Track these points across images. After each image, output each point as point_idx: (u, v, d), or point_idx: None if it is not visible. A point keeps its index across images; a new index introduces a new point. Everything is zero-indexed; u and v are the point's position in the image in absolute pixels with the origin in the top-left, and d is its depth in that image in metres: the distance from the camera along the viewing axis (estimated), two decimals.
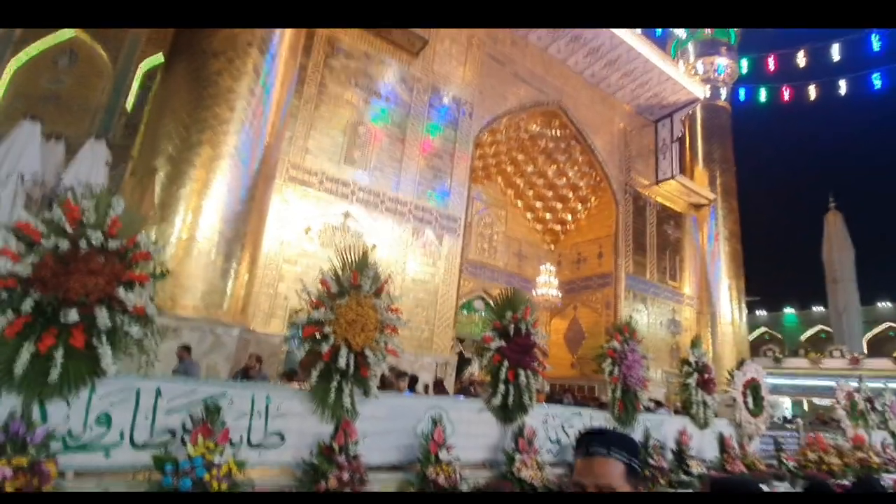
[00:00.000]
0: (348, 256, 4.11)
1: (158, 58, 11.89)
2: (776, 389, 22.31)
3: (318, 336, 3.69)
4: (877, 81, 15.51)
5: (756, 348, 29.20)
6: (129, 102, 12.16)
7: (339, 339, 3.73)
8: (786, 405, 25.12)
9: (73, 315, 2.68)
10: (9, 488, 2.32)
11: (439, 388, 8.36)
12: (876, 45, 14.44)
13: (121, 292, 2.85)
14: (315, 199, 11.07)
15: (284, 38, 9.98)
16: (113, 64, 12.47)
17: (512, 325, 5.09)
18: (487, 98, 14.75)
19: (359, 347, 3.80)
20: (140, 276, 3.00)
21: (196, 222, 8.35)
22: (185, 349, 7.17)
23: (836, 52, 15.52)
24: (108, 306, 2.83)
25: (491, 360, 4.98)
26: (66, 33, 12.36)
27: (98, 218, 2.97)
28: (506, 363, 4.92)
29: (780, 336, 37.29)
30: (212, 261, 8.43)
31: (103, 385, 2.89)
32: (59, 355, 2.63)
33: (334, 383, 3.69)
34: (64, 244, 2.78)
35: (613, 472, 1.02)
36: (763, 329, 38.18)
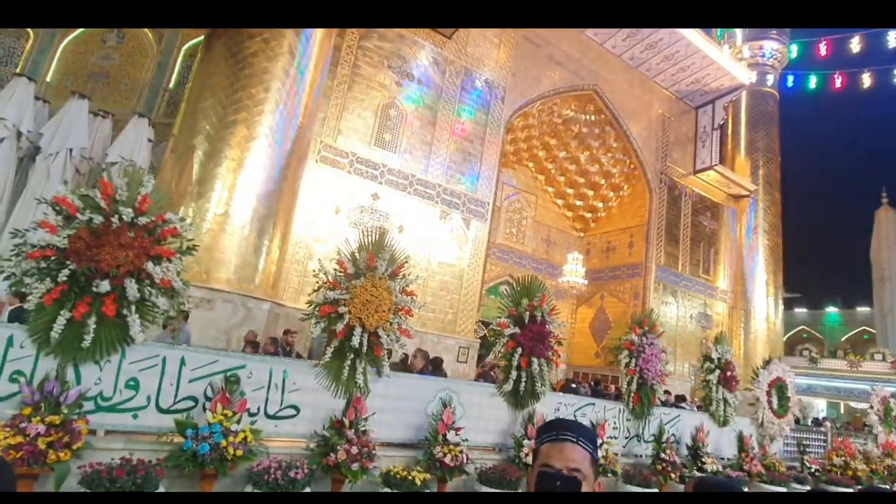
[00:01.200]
0: (365, 237, 4.21)
1: (200, 38, 12.22)
2: (811, 390, 21.54)
3: (333, 315, 3.83)
4: None
5: (792, 347, 28.11)
6: (172, 81, 12.61)
7: (353, 319, 3.85)
8: (821, 407, 24.24)
9: (104, 286, 2.88)
10: (41, 444, 2.54)
11: (437, 367, 8.31)
12: None
13: (149, 266, 3.05)
14: (345, 180, 11.25)
15: None
16: (157, 43, 12.94)
17: (527, 313, 5.12)
18: (520, 81, 14.49)
19: (372, 327, 3.92)
20: (167, 251, 3.19)
21: (231, 199, 8.64)
22: (184, 315, 7.24)
23: (893, 39, 14.45)
24: (138, 278, 3.04)
25: (505, 347, 5.04)
26: None
27: (130, 195, 3.16)
28: (519, 350, 4.97)
29: (819, 335, 35.74)
30: (245, 237, 8.74)
31: (133, 352, 3.11)
32: (91, 322, 2.84)
33: (348, 361, 3.83)
34: (98, 218, 2.98)
35: (583, 458, 1.06)
36: (802, 327, 36.69)
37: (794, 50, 19.24)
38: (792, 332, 35.02)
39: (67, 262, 2.86)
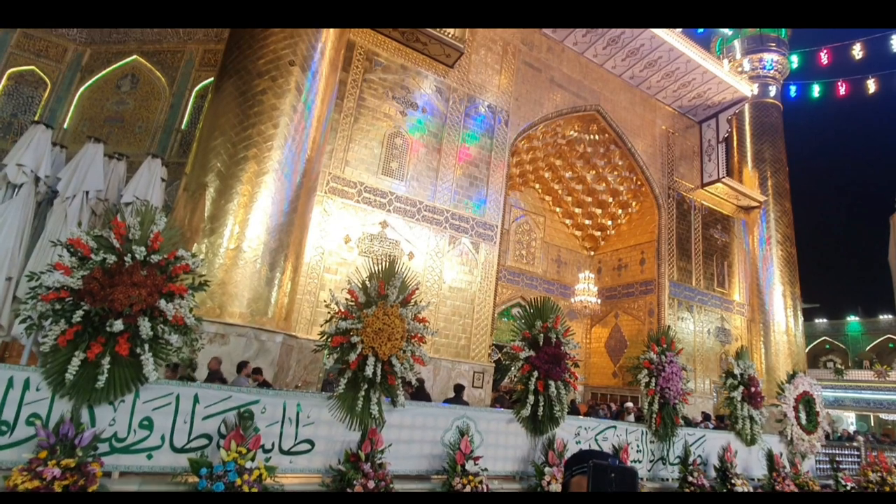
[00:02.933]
0: (376, 266, 4.21)
1: (211, 79, 12.62)
2: (838, 403, 20.84)
3: (345, 345, 3.81)
4: None
5: (815, 359, 27.33)
6: (184, 121, 12.97)
7: (366, 348, 3.82)
8: (850, 420, 23.38)
9: (118, 325, 2.90)
10: (57, 488, 2.52)
11: (458, 395, 8.27)
12: None
13: (162, 303, 3.07)
14: (354, 210, 11.37)
15: (325, 56, 10.35)
16: (170, 86, 13.37)
17: (542, 335, 5.05)
18: (523, 105, 14.70)
19: (385, 356, 3.88)
20: (180, 288, 3.22)
21: (243, 234, 8.76)
22: (237, 367, 7.48)
23: (895, 44, 14.50)
24: (151, 316, 3.05)
25: (520, 370, 4.95)
26: (127, 58, 13.38)
27: (143, 234, 3.21)
28: (535, 373, 4.88)
29: (842, 346, 34.77)
30: (257, 270, 8.81)
31: (146, 391, 3.10)
32: (106, 362, 2.85)
33: (362, 392, 3.78)
34: (111, 258, 3.02)
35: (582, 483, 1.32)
36: (823, 338, 35.76)
37: (795, 60, 19.32)
38: (814, 344, 34.12)
39: (81, 303, 2.89)
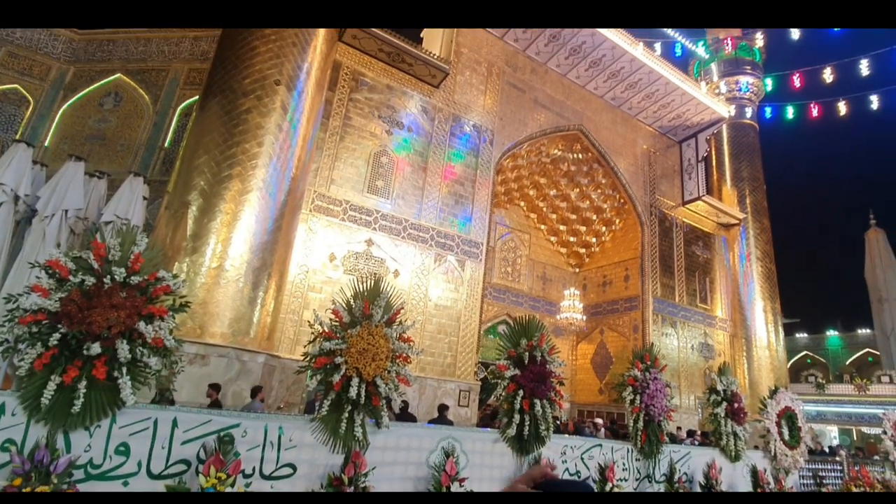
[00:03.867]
0: (360, 285, 4.19)
1: (195, 98, 12.60)
2: (821, 417, 21.09)
3: (329, 366, 3.77)
4: None
5: (797, 373, 27.75)
6: (168, 139, 12.89)
7: (350, 369, 3.79)
8: (833, 434, 23.66)
9: (95, 348, 2.85)
10: None
11: (442, 415, 8.25)
12: None
13: (141, 325, 3.02)
14: (339, 228, 11.35)
15: (311, 76, 10.44)
16: (153, 104, 13.30)
17: (527, 353, 5.05)
18: (508, 125, 14.94)
19: (370, 377, 3.85)
20: (160, 310, 3.17)
21: (225, 252, 8.67)
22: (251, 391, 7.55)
23: (864, 68, 15.12)
24: (129, 339, 3.00)
25: (506, 389, 4.94)
26: (111, 76, 13.31)
27: (123, 254, 3.17)
28: (521, 392, 4.87)
29: (823, 360, 35.36)
30: (239, 289, 8.70)
31: (123, 415, 3.03)
32: (82, 386, 2.79)
33: (346, 414, 3.74)
34: (90, 280, 2.97)
35: None
36: (805, 353, 36.36)
37: (770, 83, 20.02)
38: (796, 358, 34.64)
39: (59, 326, 2.83)
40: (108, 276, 3.03)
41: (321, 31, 10.78)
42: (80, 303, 2.88)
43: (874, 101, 16.09)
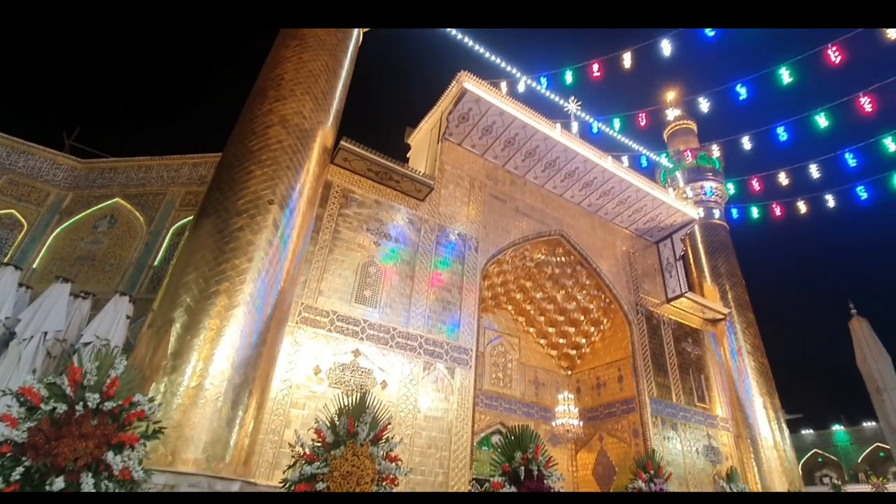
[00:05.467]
0: (346, 399, 4.09)
1: (190, 218, 13.03)
2: None
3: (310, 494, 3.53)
4: (863, 194, 16.19)
5: (811, 474, 26.10)
6: (158, 258, 13.07)
7: None
8: None
9: (59, 483, 2.67)
10: None
11: None
12: (852, 162, 15.38)
13: (109, 456, 2.86)
14: (325, 339, 11.19)
15: (303, 195, 10.98)
16: (148, 225, 13.64)
17: (522, 468, 4.80)
18: (491, 232, 15.57)
19: None
20: (131, 438, 3.03)
21: (206, 370, 8.37)
22: None
23: (814, 171, 16.50)
24: (96, 471, 2.83)
25: None
26: (109, 200, 13.84)
27: (99, 378, 3.10)
28: None
29: (834, 458, 33.56)
30: (217, 409, 8.28)
31: None
32: None
33: None
34: (62, 407, 2.88)
35: None
36: (814, 451, 34.60)
37: (731, 187, 21.54)
38: (806, 457, 32.87)
39: (23, 459, 2.68)
40: (81, 403, 2.94)
41: (314, 155, 11.58)
42: (49, 432, 2.76)
43: (830, 201, 17.28)
